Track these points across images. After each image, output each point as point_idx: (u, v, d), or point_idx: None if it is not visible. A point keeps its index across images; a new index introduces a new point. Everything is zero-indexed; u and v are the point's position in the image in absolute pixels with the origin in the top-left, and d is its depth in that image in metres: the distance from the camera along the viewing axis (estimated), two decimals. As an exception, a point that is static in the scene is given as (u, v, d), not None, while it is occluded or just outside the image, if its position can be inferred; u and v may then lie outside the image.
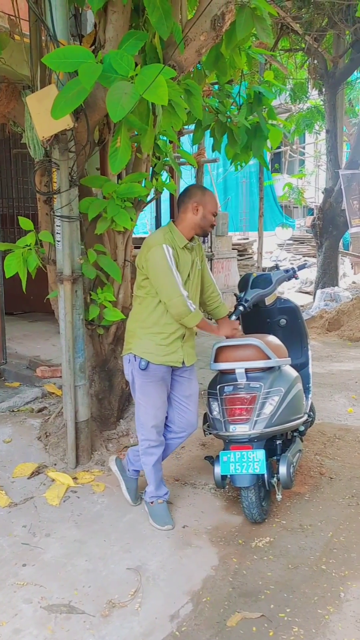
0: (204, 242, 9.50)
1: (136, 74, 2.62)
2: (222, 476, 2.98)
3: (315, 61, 8.73)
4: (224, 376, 3.09)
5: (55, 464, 3.65)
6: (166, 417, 3.16)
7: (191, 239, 3.04)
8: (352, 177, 8.78)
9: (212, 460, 3.10)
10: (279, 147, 17.19)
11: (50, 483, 3.43)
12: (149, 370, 2.94)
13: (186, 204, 2.99)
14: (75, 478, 3.48)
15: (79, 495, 3.33)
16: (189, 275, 3.01)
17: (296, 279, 3.73)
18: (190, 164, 5.49)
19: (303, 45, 8.65)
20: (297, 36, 8.58)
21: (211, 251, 9.68)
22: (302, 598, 2.50)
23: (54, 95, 2.91)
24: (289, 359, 3.23)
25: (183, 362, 3.03)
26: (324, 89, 8.98)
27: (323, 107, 9.74)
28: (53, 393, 4.78)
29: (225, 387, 3.04)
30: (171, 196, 8.72)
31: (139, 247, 3.08)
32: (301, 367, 3.68)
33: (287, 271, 3.65)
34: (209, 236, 9.96)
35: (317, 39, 8.22)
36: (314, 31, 7.82)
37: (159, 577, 2.66)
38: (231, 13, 3.15)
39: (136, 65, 2.70)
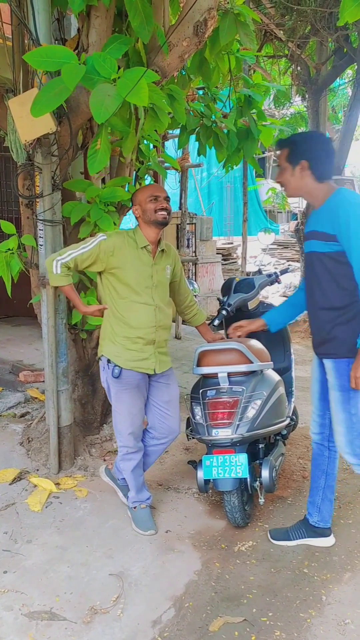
0: (188, 245, 9.51)
1: (119, 77, 2.62)
2: (205, 480, 2.97)
3: (299, 68, 8.79)
4: (207, 380, 3.09)
5: (37, 470, 3.62)
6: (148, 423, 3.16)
7: (158, 243, 3.01)
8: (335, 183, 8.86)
9: (195, 464, 3.10)
10: (263, 152, 17.30)
11: (32, 489, 3.40)
12: (122, 377, 2.93)
13: (133, 213, 3.01)
14: (57, 484, 3.46)
15: (62, 501, 3.31)
16: (151, 276, 2.95)
17: (279, 283, 3.75)
18: (174, 168, 5.51)
19: (286, 52, 8.72)
20: (281, 43, 8.64)
21: (195, 255, 9.70)
22: (284, 602, 2.51)
23: (37, 99, 2.90)
24: (272, 362, 3.24)
25: (155, 370, 3.01)
26: (307, 95, 9.05)
27: (307, 113, 9.82)
28: (36, 398, 4.74)
29: (208, 391, 3.04)
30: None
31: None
32: (284, 371, 3.70)
33: (270, 275, 3.67)
34: (193, 240, 9.98)
35: (300, 46, 8.28)
36: (297, 38, 7.87)
37: (142, 583, 2.65)
38: (213, 19, 3.16)
39: (119, 69, 2.71)
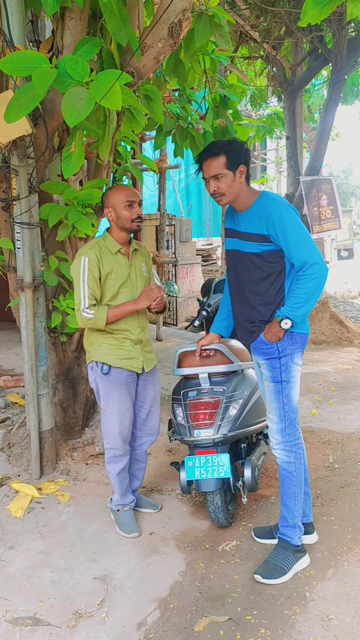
0: (167, 247, 9.51)
1: (91, 80, 2.61)
2: (187, 482, 2.97)
3: (274, 69, 8.85)
4: (188, 381, 3.10)
5: (19, 475, 3.59)
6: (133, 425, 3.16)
7: (129, 243, 3.01)
8: (312, 183, 8.91)
9: (177, 466, 3.10)
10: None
11: (14, 495, 3.37)
12: (111, 374, 2.93)
13: (105, 215, 2.96)
14: (39, 489, 3.43)
15: (44, 506, 3.28)
16: (129, 276, 2.97)
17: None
18: (152, 170, 5.52)
19: (262, 53, 8.77)
20: (256, 44, 8.69)
21: (175, 257, 9.71)
22: (268, 599, 2.51)
23: (11, 101, 2.88)
24: (252, 362, 3.25)
25: (143, 369, 3.03)
26: (283, 96, 9.12)
27: (283, 113, 9.88)
28: (16, 403, 4.71)
29: (189, 392, 3.04)
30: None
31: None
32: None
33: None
34: (173, 242, 9.99)
35: (275, 47, 8.34)
36: (272, 39, 7.93)
37: (126, 586, 2.64)
38: (188, 20, 3.17)
39: (92, 71, 2.69)
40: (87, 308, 2.81)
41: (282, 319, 2.58)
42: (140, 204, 2.95)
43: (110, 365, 2.92)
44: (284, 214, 2.54)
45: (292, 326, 2.58)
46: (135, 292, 2.98)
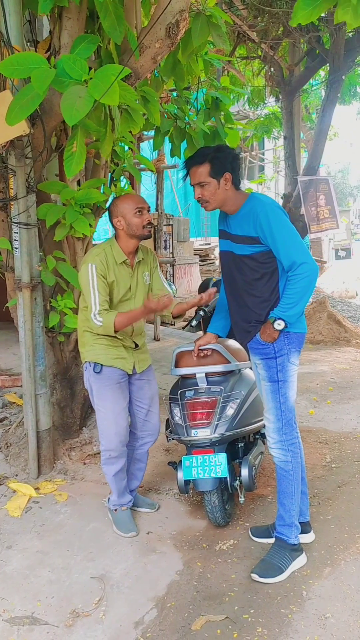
0: (165, 247, 9.52)
1: (90, 78, 2.61)
2: (185, 481, 2.98)
3: (272, 69, 8.84)
4: (185, 381, 3.10)
5: (16, 475, 3.59)
6: (131, 424, 3.16)
7: (136, 252, 3.01)
8: (310, 183, 8.91)
9: (175, 465, 3.11)
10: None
11: (11, 494, 3.37)
12: (103, 373, 2.94)
13: (112, 223, 2.95)
14: (37, 488, 3.44)
15: (42, 506, 3.28)
16: (130, 288, 2.98)
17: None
18: (150, 170, 5.52)
19: (260, 53, 8.77)
20: (254, 44, 8.69)
21: (173, 257, 9.71)
22: (265, 598, 2.52)
23: (9, 101, 2.88)
24: (249, 362, 3.26)
25: (134, 370, 3.04)
26: (281, 96, 9.12)
27: (281, 113, 9.89)
28: (14, 402, 4.70)
29: (186, 392, 3.05)
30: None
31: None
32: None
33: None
34: (171, 242, 9.99)
35: (273, 47, 8.33)
36: (270, 40, 7.93)
37: (124, 585, 2.65)
38: (185, 21, 3.18)
39: (91, 69, 2.70)
40: (97, 314, 2.81)
41: (275, 320, 2.59)
42: (148, 210, 2.95)
43: (102, 365, 2.93)
44: (270, 215, 2.56)
45: (285, 327, 2.60)
46: (134, 304, 2.99)
